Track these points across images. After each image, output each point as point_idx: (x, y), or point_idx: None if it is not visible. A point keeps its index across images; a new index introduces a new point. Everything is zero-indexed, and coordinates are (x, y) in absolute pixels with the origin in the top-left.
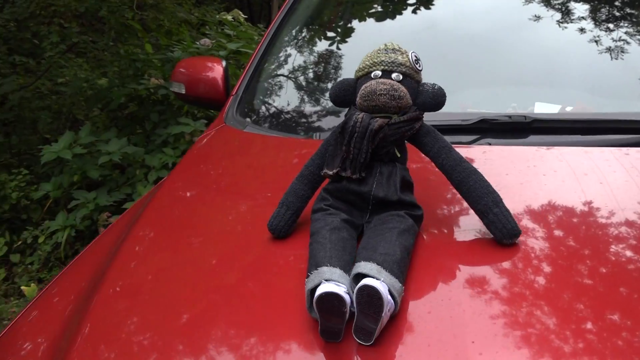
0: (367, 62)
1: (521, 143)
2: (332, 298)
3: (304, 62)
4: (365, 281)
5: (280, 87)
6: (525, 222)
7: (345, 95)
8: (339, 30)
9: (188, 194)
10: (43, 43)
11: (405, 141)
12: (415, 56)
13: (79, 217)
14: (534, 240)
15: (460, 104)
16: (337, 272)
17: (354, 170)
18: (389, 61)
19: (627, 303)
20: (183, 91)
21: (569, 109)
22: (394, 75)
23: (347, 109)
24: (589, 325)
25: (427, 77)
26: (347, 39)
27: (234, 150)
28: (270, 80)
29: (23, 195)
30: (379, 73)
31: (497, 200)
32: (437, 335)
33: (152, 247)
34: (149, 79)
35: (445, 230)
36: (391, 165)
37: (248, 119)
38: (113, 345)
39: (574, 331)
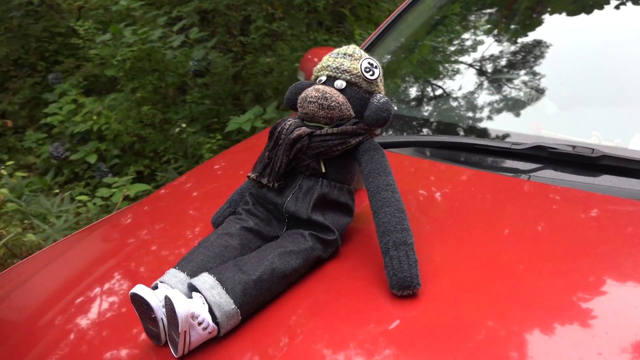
0: (319, 66)
1: (579, 184)
2: (139, 300)
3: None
4: (168, 293)
5: None
6: None
7: (296, 99)
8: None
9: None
10: (251, 25)
11: (360, 157)
12: (369, 63)
13: None
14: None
15: (533, 124)
16: (179, 276)
17: (270, 179)
18: (335, 67)
19: None
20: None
21: None
22: (337, 83)
23: None
24: None
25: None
26: (528, 32)
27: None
28: None
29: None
30: (324, 79)
31: (399, 242)
32: None
33: None
34: None
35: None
36: (313, 180)
37: None
38: None
39: None
